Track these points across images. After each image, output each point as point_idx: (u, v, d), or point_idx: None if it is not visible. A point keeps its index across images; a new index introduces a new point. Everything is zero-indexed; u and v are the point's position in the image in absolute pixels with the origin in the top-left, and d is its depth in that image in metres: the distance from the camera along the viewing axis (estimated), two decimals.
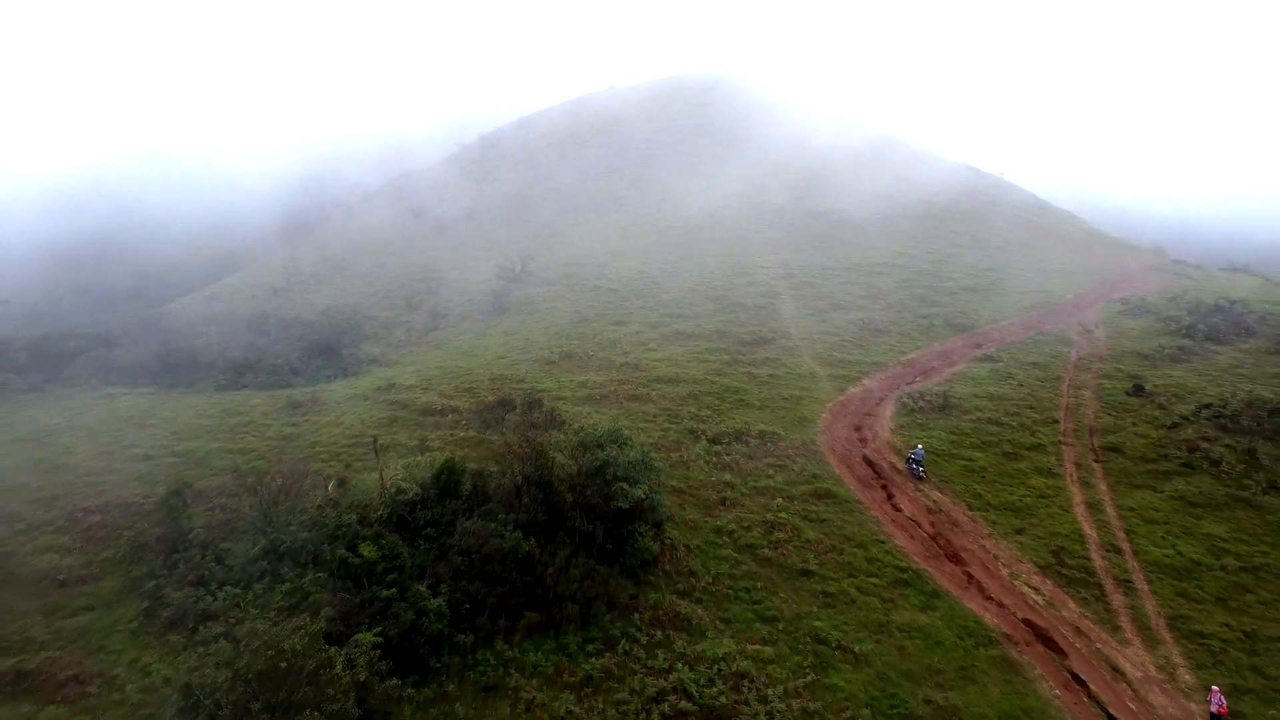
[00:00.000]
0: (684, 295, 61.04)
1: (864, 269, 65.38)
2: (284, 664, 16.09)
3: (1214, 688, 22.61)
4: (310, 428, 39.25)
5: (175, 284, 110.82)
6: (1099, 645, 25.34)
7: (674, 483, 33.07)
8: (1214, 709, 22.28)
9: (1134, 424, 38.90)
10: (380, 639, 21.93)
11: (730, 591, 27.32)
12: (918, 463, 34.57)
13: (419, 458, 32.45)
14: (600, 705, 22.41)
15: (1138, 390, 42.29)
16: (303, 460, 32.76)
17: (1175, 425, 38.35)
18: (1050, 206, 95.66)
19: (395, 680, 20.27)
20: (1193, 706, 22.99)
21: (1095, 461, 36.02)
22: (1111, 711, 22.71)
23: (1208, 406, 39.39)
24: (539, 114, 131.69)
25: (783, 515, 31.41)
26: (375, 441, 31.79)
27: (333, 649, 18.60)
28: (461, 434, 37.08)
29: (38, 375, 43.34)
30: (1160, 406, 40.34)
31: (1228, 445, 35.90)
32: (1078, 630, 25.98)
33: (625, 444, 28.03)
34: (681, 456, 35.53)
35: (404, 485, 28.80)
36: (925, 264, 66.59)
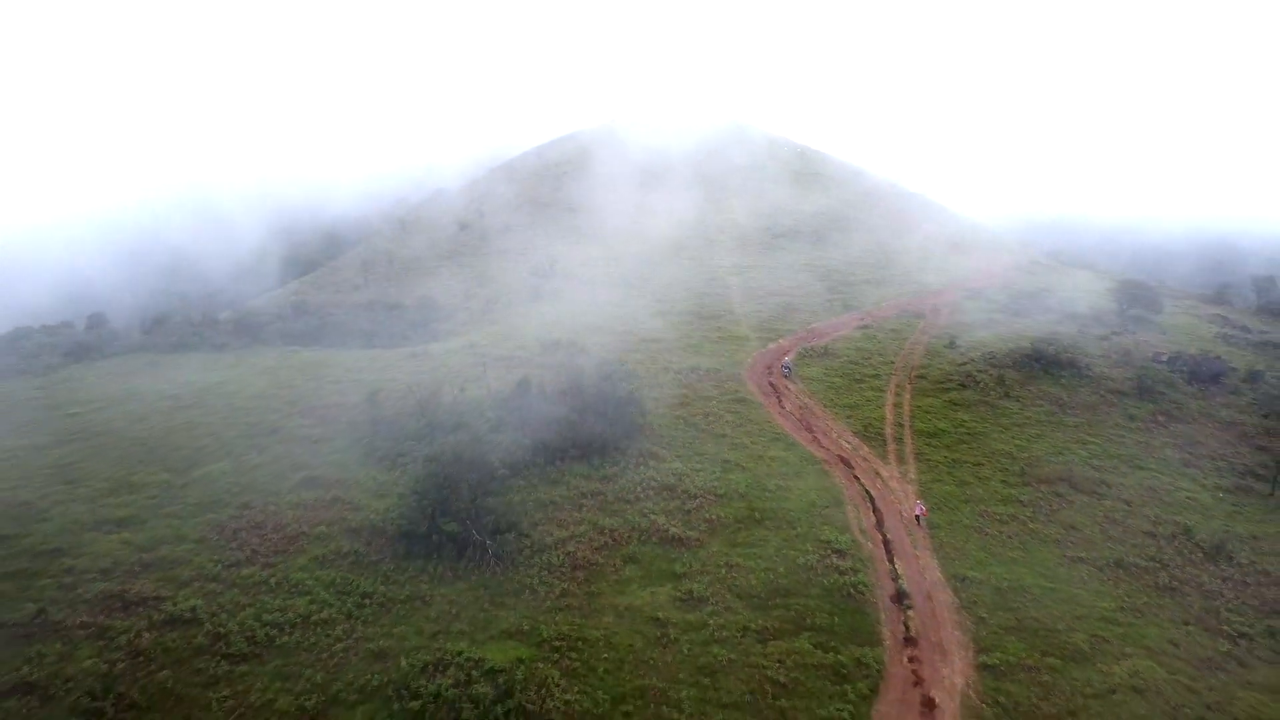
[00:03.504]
0: (666, 287, 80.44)
1: (794, 267, 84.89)
2: (473, 442, 35.52)
3: (918, 500, 41.39)
4: (428, 367, 58.69)
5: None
6: (873, 465, 44.86)
7: (653, 394, 52.37)
8: (917, 512, 40.84)
9: (940, 364, 58.39)
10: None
11: (681, 443, 46.70)
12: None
13: (506, 377, 51.95)
14: (612, 486, 41.81)
15: (951, 344, 61.77)
16: (435, 381, 52.15)
17: (964, 363, 57.81)
18: (958, 217, 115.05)
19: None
20: (910, 488, 42.49)
21: (908, 383, 55.52)
22: (868, 488, 42.20)
23: (988, 353, 58.87)
24: (549, 144, 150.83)
25: (715, 409, 50.86)
26: (484, 368, 51.28)
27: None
28: (524, 370, 56.50)
29: (245, 338, 62.99)
30: (961, 353, 59.86)
31: (988, 373, 55.32)
32: (864, 459, 45.50)
33: (622, 364, 47.40)
34: (658, 380, 54.92)
35: (500, 389, 48.29)
36: (838, 264, 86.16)
